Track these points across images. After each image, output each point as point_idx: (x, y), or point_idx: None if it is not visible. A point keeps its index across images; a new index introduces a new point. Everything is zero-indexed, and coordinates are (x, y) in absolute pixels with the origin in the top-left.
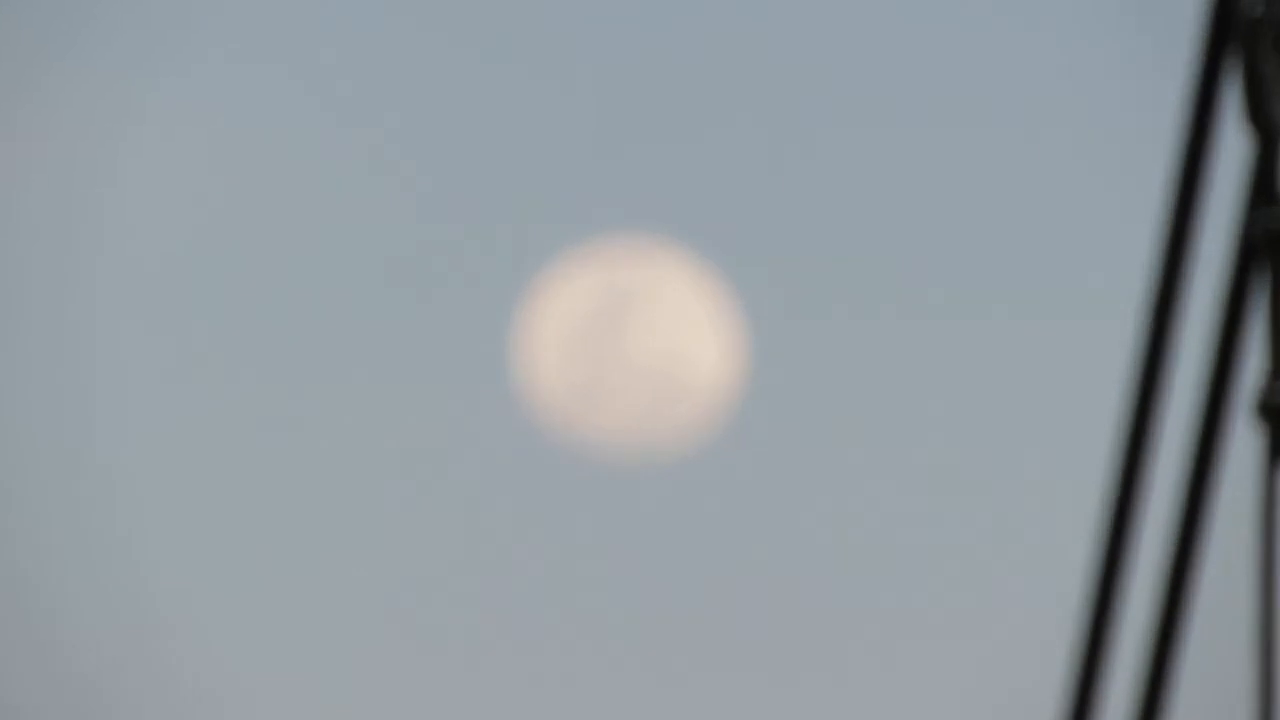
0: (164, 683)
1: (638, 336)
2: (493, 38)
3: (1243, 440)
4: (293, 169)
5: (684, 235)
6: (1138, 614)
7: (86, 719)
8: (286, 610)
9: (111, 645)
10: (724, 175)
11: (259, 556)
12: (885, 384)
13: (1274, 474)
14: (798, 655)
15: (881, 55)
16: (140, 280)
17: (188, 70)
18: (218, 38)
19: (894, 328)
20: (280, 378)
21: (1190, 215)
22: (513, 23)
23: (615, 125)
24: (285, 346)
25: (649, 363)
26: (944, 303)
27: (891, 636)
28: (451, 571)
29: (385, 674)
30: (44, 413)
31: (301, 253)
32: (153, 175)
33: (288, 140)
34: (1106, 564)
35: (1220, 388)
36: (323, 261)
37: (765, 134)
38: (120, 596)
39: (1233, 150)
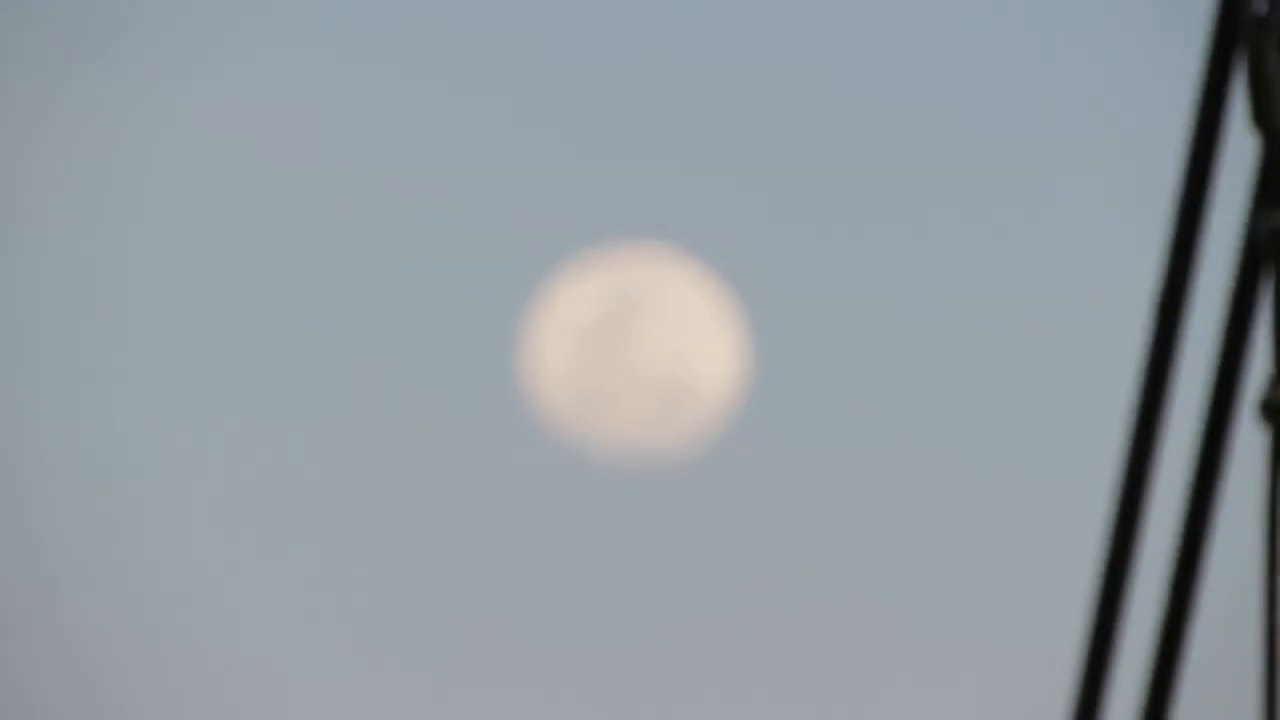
0: (181, 680)
1: (643, 342)
2: (502, 45)
3: (1249, 440)
4: (309, 175)
5: (689, 242)
6: (1145, 613)
7: (104, 715)
8: (292, 611)
9: (129, 642)
10: (730, 183)
11: (266, 557)
12: (890, 388)
13: None
14: (799, 655)
15: (886, 58)
16: (158, 284)
17: (211, 82)
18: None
19: (899, 332)
20: (291, 382)
21: (1197, 216)
22: (522, 30)
23: (623, 133)
24: (296, 351)
25: (655, 368)
26: (949, 306)
27: (895, 638)
28: (459, 574)
29: (390, 673)
30: (77, 414)
31: (316, 257)
32: (178, 181)
33: (306, 147)
34: (1113, 563)
35: (1226, 388)
36: (334, 267)
37: (771, 143)
38: (137, 594)
39: (1239, 151)
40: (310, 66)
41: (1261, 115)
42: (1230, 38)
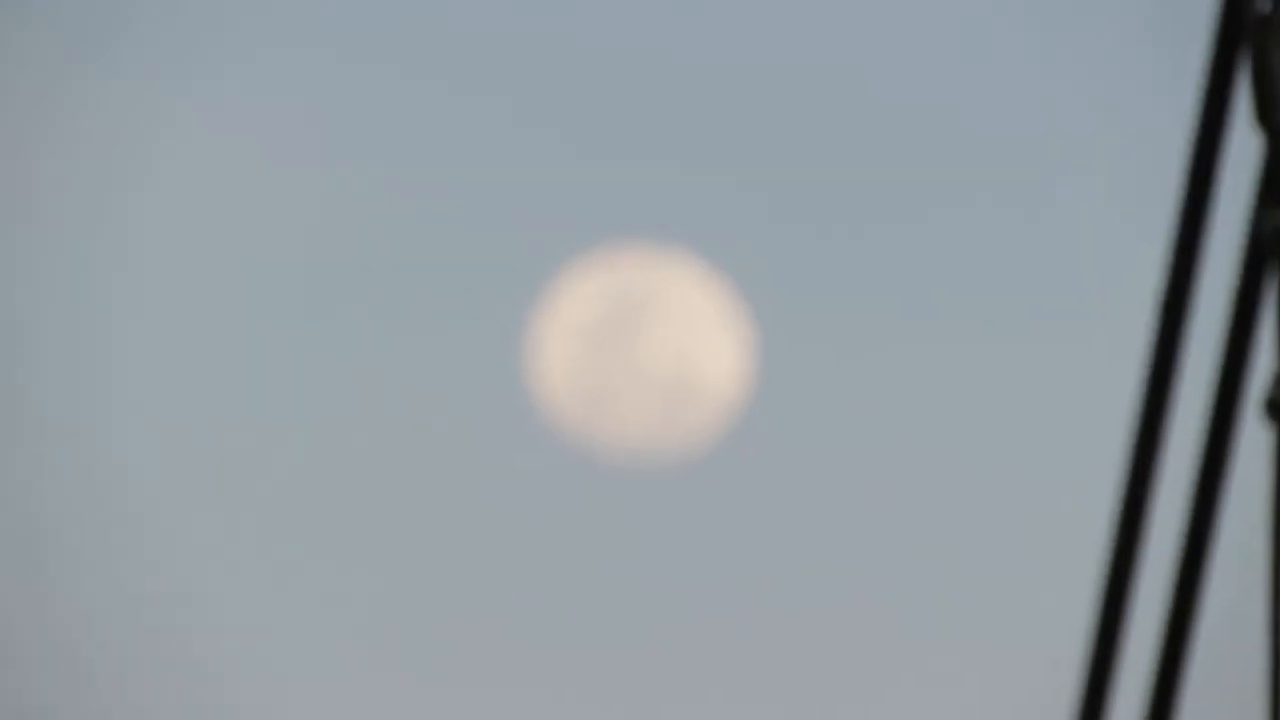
0: (181, 680)
1: (648, 342)
2: (503, 45)
3: (1253, 438)
4: (310, 175)
5: (694, 242)
6: (1150, 611)
7: (103, 715)
8: (295, 612)
9: (129, 642)
10: (733, 183)
11: (269, 558)
12: (895, 388)
13: None
14: (804, 656)
15: (888, 58)
16: (158, 284)
17: (211, 82)
18: (241, 54)
19: (903, 332)
20: (293, 383)
21: (1201, 215)
22: (523, 30)
23: (626, 132)
24: (299, 351)
25: (659, 368)
26: (955, 306)
27: (900, 638)
28: (463, 575)
29: (393, 674)
30: (77, 414)
31: (318, 258)
32: (178, 181)
33: (306, 147)
34: (1118, 563)
35: (1231, 386)
36: (336, 267)
37: (774, 143)
38: (137, 594)
39: (1243, 150)
40: (310, 66)
41: (1265, 114)
42: (1234, 37)
